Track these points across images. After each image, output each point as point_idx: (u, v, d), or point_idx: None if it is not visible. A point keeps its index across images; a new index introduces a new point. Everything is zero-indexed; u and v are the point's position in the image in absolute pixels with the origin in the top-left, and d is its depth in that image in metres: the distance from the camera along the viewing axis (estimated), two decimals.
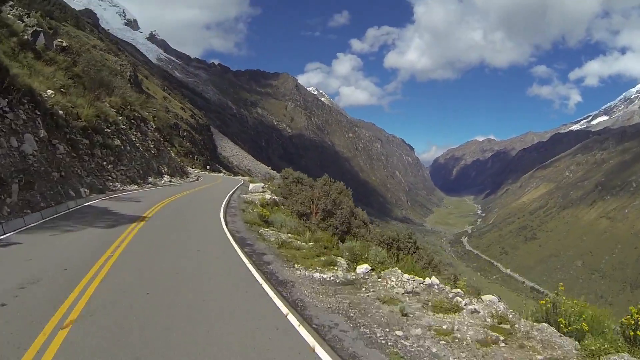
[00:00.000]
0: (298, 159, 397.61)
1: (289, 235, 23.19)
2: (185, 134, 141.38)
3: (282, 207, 37.95)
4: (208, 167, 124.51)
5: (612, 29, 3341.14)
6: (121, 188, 35.82)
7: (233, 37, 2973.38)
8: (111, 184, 35.00)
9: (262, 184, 55.44)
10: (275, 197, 42.49)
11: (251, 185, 52.66)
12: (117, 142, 40.08)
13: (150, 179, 45.39)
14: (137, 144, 47.01)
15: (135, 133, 48.55)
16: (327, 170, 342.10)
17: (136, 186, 39.50)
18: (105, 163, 36.29)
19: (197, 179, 67.69)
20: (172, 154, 77.85)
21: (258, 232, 22.87)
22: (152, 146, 53.43)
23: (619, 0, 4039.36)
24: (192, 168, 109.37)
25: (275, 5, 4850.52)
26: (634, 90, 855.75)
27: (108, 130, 39.71)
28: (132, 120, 49.46)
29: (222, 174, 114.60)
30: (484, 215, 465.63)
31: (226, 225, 23.38)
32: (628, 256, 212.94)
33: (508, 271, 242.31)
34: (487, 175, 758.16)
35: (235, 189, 49.57)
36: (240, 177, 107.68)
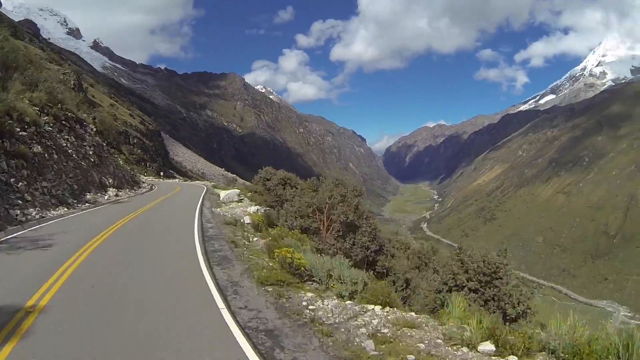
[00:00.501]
0: (251, 158, 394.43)
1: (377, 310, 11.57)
2: (135, 140, 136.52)
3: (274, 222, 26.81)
4: (162, 173, 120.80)
5: (554, 10, 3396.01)
6: (38, 216, 23.13)
7: (179, 40, 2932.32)
8: (20, 211, 22.33)
9: (237, 191, 44.20)
10: (262, 209, 31.21)
11: (223, 194, 42.59)
12: (38, 149, 29.28)
13: (88, 196, 33.61)
14: (70, 151, 35.62)
15: (67, 137, 37.16)
16: (281, 166, 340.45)
17: (65, 209, 27.18)
18: (13, 180, 24.28)
19: (151, 189, 56.73)
20: (120, 162, 70.54)
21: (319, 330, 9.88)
22: (91, 153, 41.29)
23: None
24: (145, 176, 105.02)
25: (218, 5, 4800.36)
26: (578, 68, 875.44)
27: (23, 133, 28.37)
28: (64, 122, 38.07)
29: (177, 180, 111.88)
30: (440, 200, 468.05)
31: (230, 311, 10.49)
32: (586, 229, 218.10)
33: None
34: (441, 160, 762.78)
35: (202, 200, 38.45)
36: (198, 182, 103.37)
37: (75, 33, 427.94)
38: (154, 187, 60.38)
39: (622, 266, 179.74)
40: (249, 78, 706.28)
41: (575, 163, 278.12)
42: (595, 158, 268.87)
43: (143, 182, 65.88)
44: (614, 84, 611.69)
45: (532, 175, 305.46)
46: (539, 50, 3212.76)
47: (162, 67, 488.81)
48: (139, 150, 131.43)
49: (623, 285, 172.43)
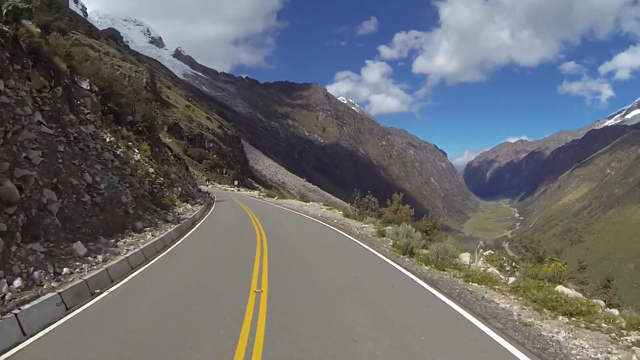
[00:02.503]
0: (333, 169, 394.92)
1: None
2: (211, 145, 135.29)
3: None
4: (236, 182, 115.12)
5: None
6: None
7: (262, 51, 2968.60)
8: None
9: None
10: None
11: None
12: None
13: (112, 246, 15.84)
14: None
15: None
16: (363, 179, 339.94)
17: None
18: None
19: (207, 208, 38.42)
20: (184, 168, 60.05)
21: None
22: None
23: None
24: (212, 184, 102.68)
25: (303, 17, 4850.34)
26: None
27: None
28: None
29: (255, 194, 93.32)
30: (522, 218, 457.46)
31: None
32: None
33: None
34: (522, 177, 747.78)
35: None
36: (292, 201, 69.95)
37: (157, 42, 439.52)
38: (212, 203, 46.52)
39: None
40: (331, 89, 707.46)
41: None
42: None
43: (198, 197, 45.72)
44: None
45: (622, 196, 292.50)
46: (625, 62, 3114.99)
47: (244, 76, 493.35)
48: (215, 155, 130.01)
49: None
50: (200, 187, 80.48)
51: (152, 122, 44.04)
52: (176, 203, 33.04)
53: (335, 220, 34.70)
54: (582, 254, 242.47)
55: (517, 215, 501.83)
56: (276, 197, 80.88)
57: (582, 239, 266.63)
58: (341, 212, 43.31)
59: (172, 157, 53.14)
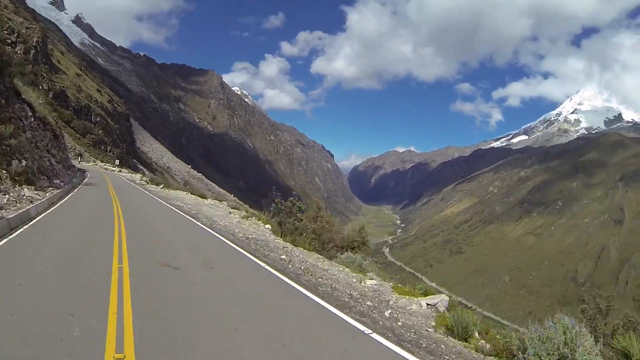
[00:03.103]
0: (218, 159, 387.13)
1: None
2: (98, 119, 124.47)
3: None
4: (117, 161, 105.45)
5: (539, 53, 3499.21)
6: None
7: (164, 30, 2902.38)
8: None
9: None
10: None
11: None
12: None
13: None
14: None
15: None
16: (248, 172, 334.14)
17: None
18: None
19: (59, 198, 26.37)
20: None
21: None
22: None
23: (549, 27, 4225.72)
24: (93, 160, 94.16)
25: (211, 1, 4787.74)
26: (553, 113, 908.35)
27: None
28: None
29: (138, 176, 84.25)
30: (403, 225, 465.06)
31: None
32: (555, 273, 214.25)
33: (434, 285, 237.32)
34: (407, 185, 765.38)
35: None
36: (183, 194, 49.95)
37: (58, 4, 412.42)
38: (75, 185, 36.88)
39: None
40: (227, 78, 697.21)
41: (547, 206, 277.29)
42: (569, 203, 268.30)
43: (49, 181, 30.88)
44: (587, 133, 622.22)
45: (502, 213, 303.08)
46: (517, 91, 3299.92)
47: (142, 54, 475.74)
48: (101, 131, 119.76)
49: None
50: (77, 163, 72.95)
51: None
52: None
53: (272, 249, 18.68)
54: (461, 264, 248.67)
55: (398, 222, 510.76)
56: (162, 186, 62.22)
57: (461, 250, 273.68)
58: (267, 226, 27.06)
59: (32, 119, 36.95)
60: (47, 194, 24.49)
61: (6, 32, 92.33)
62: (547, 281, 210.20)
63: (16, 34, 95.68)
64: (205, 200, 45.45)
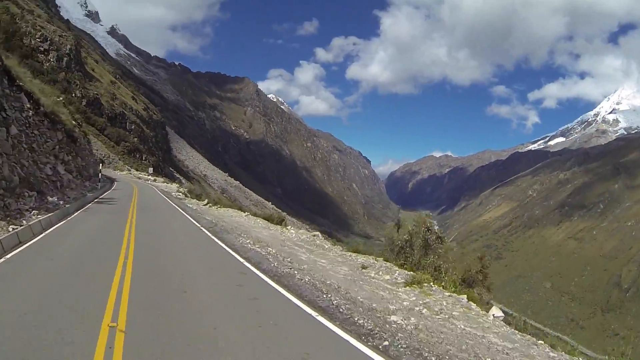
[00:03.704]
0: (255, 165, 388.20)
1: None
2: (133, 127, 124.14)
3: None
4: (151, 169, 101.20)
5: (574, 52, 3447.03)
6: None
7: (199, 40, 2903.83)
8: None
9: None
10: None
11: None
12: None
13: None
14: None
15: None
16: (285, 179, 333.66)
17: None
18: None
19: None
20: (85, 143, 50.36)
21: None
22: None
23: (584, 25, 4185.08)
24: (128, 169, 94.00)
25: (245, 10, 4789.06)
26: (591, 113, 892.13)
27: None
28: None
29: (174, 186, 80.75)
30: (441, 231, 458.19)
31: None
32: (598, 278, 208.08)
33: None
34: (444, 190, 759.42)
35: None
36: (228, 210, 44.40)
37: (93, 16, 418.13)
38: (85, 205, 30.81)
39: (636, 322, 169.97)
40: (262, 85, 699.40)
41: (589, 209, 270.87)
42: (611, 206, 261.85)
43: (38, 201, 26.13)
44: (626, 133, 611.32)
45: (542, 217, 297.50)
46: (553, 92, 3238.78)
47: (177, 63, 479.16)
48: (135, 139, 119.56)
49: (635, 343, 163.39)
50: (110, 171, 72.63)
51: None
52: None
53: None
54: (500, 270, 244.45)
55: (436, 227, 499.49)
56: (206, 202, 50.10)
57: (501, 256, 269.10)
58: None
59: (31, 113, 29.10)
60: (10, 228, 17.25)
61: (39, 40, 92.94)
62: (589, 287, 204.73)
63: (49, 42, 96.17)
64: (286, 231, 29.57)
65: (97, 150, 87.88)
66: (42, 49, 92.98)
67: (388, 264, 19.82)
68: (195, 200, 52.69)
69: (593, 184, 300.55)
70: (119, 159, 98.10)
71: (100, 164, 68.42)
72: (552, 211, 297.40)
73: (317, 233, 28.62)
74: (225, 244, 20.87)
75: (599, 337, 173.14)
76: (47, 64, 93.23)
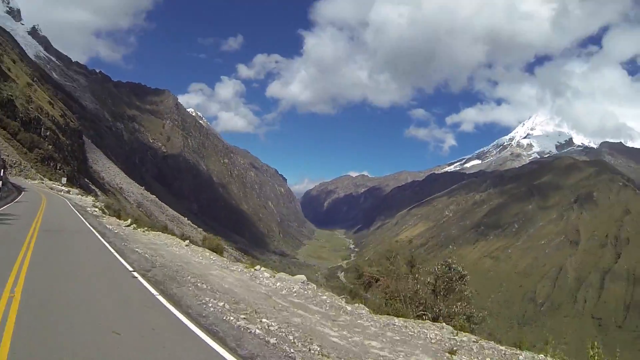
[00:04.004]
0: (172, 180, 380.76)
1: None
2: (48, 133, 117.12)
3: None
4: (64, 179, 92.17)
5: (493, 79, 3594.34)
6: None
7: (122, 48, 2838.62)
8: None
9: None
10: None
11: None
12: None
13: None
14: None
15: None
16: (202, 195, 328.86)
17: None
18: None
19: None
20: None
21: None
22: None
23: (504, 54, 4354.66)
24: (40, 178, 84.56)
25: (171, 21, 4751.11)
26: (506, 138, 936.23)
27: None
28: None
29: (89, 199, 71.47)
30: (357, 250, 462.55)
31: None
32: (514, 294, 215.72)
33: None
34: (360, 210, 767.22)
35: None
36: (161, 236, 34.23)
37: (15, 14, 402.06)
38: None
39: (550, 334, 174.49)
40: (182, 99, 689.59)
41: (504, 228, 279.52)
42: (525, 225, 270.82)
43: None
44: (539, 157, 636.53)
45: (458, 236, 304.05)
46: (470, 116, 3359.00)
47: (98, 70, 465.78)
48: (50, 146, 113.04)
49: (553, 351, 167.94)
50: (21, 180, 69.68)
51: None
52: None
53: None
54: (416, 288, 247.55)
55: (352, 246, 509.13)
56: (129, 222, 39.65)
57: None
58: None
59: None
60: None
61: None
62: (506, 303, 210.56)
63: None
64: (259, 274, 21.29)
65: (7, 155, 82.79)
66: None
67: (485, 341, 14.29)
68: (114, 218, 43.86)
69: (508, 204, 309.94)
70: (32, 167, 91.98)
71: (2, 170, 52.26)
72: (468, 231, 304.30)
73: (304, 278, 21.25)
74: (193, 321, 11.18)
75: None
76: None
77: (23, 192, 53.61)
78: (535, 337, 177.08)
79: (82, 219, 36.05)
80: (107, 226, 33.28)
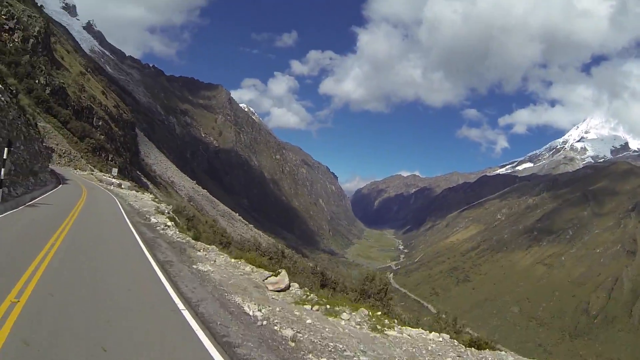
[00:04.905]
0: (223, 175, 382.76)
1: None
2: (100, 123, 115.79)
3: None
4: (115, 170, 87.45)
5: (547, 80, 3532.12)
6: None
7: (176, 44, 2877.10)
8: None
9: None
10: None
11: None
12: None
13: None
14: None
15: None
16: (252, 191, 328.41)
17: None
18: None
19: None
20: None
21: None
22: None
23: (559, 54, 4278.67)
24: (91, 169, 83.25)
25: (225, 17, 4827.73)
26: (559, 141, 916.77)
27: None
28: None
29: (149, 196, 61.06)
30: (407, 251, 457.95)
31: None
32: (566, 304, 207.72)
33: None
34: (410, 210, 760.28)
35: None
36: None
37: (70, 10, 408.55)
38: None
39: (603, 349, 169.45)
40: (235, 94, 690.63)
41: (557, 234, 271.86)
42: (579, 232, 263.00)
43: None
44: (593, 161, 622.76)
45: (510, 241, 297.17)
46: (523, 118, 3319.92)
47: (151, 64, 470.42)
48: (102, 136, 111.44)
49: None
50: (69, 171, 65.72)
51: None
52: None
53: None
54: (468, 293, 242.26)
55: (401, 247, 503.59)
56: (239, 258, 21.95)
57: (468, 279, 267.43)
58: None
59: None
60: None
61: (4, 17, 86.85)
62: (557, 313, 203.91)
63: (15, 20, 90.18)
64: None
65: (57, 144, 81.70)
66: (7, 27, 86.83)
67: None
68: (202, 243, 24.55)
69: (562, 210, 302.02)
70: (82, 157, 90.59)
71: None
72: (521, 235, 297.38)
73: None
74: None
75: None
76: (11, 44, 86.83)
77: (61, 185, 45.91)
78: (587, 350, 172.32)
79: (143, 247, 19.87)
80: (204, 269, 17.37)
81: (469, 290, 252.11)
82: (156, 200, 55.61)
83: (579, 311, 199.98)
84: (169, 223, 29.72)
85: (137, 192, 65.11)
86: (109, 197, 44.41)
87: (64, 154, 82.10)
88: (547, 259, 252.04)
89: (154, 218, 32.01)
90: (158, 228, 27.48)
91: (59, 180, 48.80)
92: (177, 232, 26.78)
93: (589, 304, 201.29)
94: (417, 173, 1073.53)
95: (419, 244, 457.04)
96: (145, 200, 50.21)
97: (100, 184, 63.30)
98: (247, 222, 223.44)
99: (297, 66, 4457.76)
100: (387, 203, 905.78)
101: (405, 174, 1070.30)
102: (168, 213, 38.12)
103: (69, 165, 78.46)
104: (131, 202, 42.47)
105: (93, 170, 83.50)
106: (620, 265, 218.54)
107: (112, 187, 60.29)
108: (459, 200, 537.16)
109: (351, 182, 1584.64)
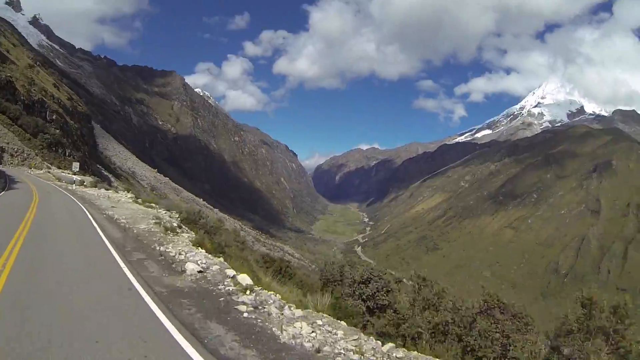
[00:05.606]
0: (183, 162, 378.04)
1: None
2: (54, 117, 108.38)
3: None
4: (77, 165, 76.83)
5: (502, 48, 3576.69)
6: None
7: (127, 33, 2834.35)
8: None
9: None
10: None
11: None
12: None
13: None
14: None
15: None
16: (213, 175, 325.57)
17: None
18: None
19: None
20: None
21: None
22: None
23: (513, 23, 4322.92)
24: (47, 166, 76.88)
25: (176, 3, 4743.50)
26: (517, 107, 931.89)
27: None
28: None
29: (121, 196, 41.87)
30: (372, 223, 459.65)
31: None
32: (536, 266, 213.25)
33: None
34: (372, 183, 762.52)
35: None
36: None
37: (15, 4, 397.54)
38: None
39: (576, 306, 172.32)
40: (189, 79, 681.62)
41: (522, 198, 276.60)
42: (544, 195, 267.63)
43: None
44: (550, 126, 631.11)
45: (476, 207, 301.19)
46: (480, 86, 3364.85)
47: (103, 56, 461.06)
48: (57, 131, 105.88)
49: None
50: (24, 170, 60.92)
51: None
52: None
53: None
54: (438, 261, 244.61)
55: (366, 219, 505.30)
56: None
57: (438, 247, 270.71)
58: None
59: None
60: None
61: None
62: (528, 274, 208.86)
63: None
64: None
65: (7, 143, 77.37)
66: None
67: None
68: (265, 292, 12.40)
69: (525, 174, 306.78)
70: (37, 154, 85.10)
71: None
72: (486, 201, 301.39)
73: None
74: None
75: (542, 323, 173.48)
76: None
77: (3, 192, 34.82)
78: (560, 308, 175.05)
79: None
80: None
81: (439, 258, 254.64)
82: (141, 201, 38.94)
83: (549, 271, 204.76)
84: (215, 261, 15.11)
85: (108, 190, 51.57)
86: (73, 206, 31.50)
87: (16, 153, 77.52)
88: (514, 223, 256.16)
89: (153, 225, 21.94)
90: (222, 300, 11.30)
91: (6, 183, 39.91)
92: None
93: (558, 264, 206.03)
94: (376, 145, 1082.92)
95: (383, 215, 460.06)
96: (127, 204, 34.81)
97: (60, 183, 53.00)
98: (212, 207, 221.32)
99: (250, 47, 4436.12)
100: (348, 177, 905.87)
101: (364, 147, 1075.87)
102: (187, 231, 23.22)
103: (23, 165, 74.26)
104: (109, 213, 27.64)
105: (50, 168, 78.54)
106: (585, 224, 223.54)
107: (74, 187, 48.98)
108: (421, 170, 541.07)
109: (311, 159, 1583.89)
